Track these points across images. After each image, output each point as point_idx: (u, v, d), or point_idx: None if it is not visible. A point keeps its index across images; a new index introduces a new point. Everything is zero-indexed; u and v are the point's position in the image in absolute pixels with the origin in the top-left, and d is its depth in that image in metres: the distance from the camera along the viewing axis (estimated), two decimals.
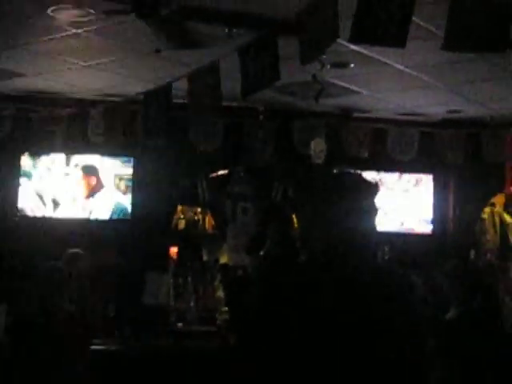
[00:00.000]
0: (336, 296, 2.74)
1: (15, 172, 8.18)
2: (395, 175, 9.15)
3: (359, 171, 3.47)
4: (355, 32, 4.46)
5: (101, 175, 8.35)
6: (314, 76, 6.31)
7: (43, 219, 8.18)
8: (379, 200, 3.03)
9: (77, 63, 6.97)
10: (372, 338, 2.69)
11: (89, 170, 8.31)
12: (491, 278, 7.51)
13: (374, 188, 3.07)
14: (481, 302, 5.98)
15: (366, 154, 8.90)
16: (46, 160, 8.26)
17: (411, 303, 2.99)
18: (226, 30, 5.45)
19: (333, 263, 2.88)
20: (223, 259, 8.61)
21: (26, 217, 8.19)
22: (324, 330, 2.69)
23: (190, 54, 5.68)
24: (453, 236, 9.23)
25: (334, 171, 4.08)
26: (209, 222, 8.94)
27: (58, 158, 8.25)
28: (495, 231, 9.41)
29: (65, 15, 5.57)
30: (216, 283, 8.51)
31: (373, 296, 2.78)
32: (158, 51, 5.25)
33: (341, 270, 2.84)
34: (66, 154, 8.25)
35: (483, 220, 9.40)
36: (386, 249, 8.62)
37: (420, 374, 2.86)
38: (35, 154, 8.25)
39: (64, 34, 6.07)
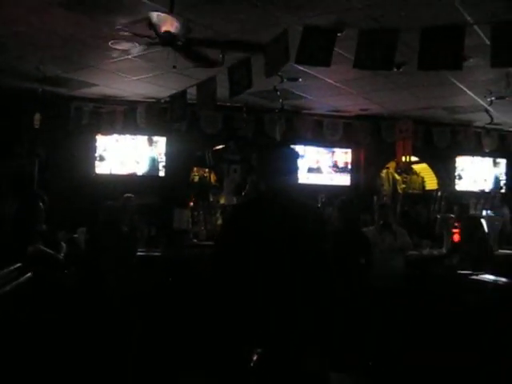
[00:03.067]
0: (269, 215, 2.73)
1: (92, 146, 8.09)
2: (330, 150, 9.10)
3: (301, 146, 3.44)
4: (298, 58, 4.42)
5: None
6: (274, 87, 6.28)
7: (109, 175, 8.12)
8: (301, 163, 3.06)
9: (129, 77, 6.89)
10: (292, 240, 2.67)
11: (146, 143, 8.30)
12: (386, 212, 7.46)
13: (297, 155, 3.10)
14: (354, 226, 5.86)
15: (310, 136, 8.80)
16: (112, 138, 8.20)
17: (316, 221, 2.98)
18: (220, 55, 5.37)
19: (270, 198, 2.88)
20: (222, 201, 8.56)
21: (99, 174, 8.13)
22: (262, 234, 2.68)
23: (197, 71, 5.58)
24: (363, 187, 9.15)
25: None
26: (213, 177, 8.84)
27: (120, 137, 8.20)
28: (389, 184, 9.37)
29: (120, 46, 5.48)
30: (217, 215, 8.48)
31: (291, 215, 2.78)
32: (174, 67, 5.14)
33: (273, 201, 2.84)
34: (124, 134, 8.18)
35: (382, 177, 9.37)
36: (322, 195, 8.59)
37: (325, 261, 2.84)
38: (104, 134, 8.17)
39: (120, 58, 5.99)
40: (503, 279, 4.30)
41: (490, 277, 4.35)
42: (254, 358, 2.08)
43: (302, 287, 2.61)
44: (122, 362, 4.90)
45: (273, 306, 2.55)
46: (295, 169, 3.01)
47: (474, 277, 4.36)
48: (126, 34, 5.05)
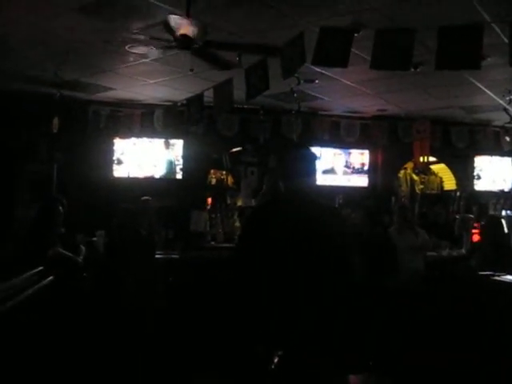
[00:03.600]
0: (289, 216, 2.74)
1: (110, 149, 8.14)
2: (347, 151, 9.07)
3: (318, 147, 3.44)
4: (315, 59, 4.40)
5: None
6: (291, 89, 6.27)
7: (127, 178, 8.16)
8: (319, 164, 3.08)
9: (146, 81, 6.93)
10: (312, 242, 2.67)
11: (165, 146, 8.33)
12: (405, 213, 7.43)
13: (315, 156, 3.10)
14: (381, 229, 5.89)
15: (327, 137, 8.78)
16: (129, 141, 8.24)
17: (335, 223, 2.97)
18: (237, 58, 5.38)
19: (289, 199, 2.89)
20: (239, 203, 8.57)
21: (117, 178, 8.17)
22: (281, 235, 2.68)
23: (214, 73, 5.59)
24: (380, 188, 9.11)
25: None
26: (230, 180, 8.86)
27: (138, 140, 8.24)
28: (407, 185, 9.33)
29: (137, 50, 5.51)
30: (235, 217, 8.50)
31: (310, 216, 2.78)
32: (191, 70, 5.15)
33: (292, 203, 2.85)
34: (141, 138, 8.22)
35: (399, 178, 9.32)
36: (339, 197, 8.59)
37: (343, 262, 2.83)
38: (122, 137, 8.21)
39: (137, 62, 6.04)
40: None
41: (510, 277, 4.32)
42: (275, 360, 2.08)
43: (322, 289, 2.60)
44: (137, 364, 4.93)
45: (293, 308, 2.55)
46: (313, 170, 3.01)
47: (496, 278, 4.31)
48: (142, 37, 5.09)
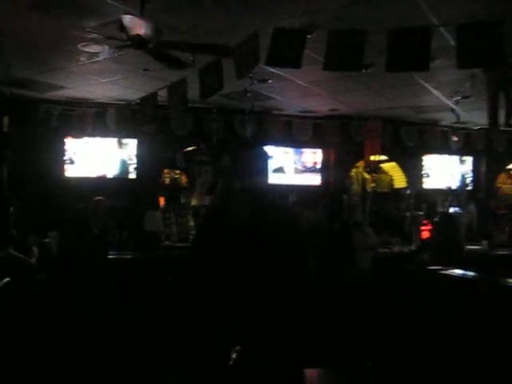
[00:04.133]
0: (245, 215, 2.79)
1: (62, 148, 8.03)
2: (300, 150, 9.18)
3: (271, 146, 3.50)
4: (269, 60, 4.46)
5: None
6: (245, 89, 6.32)
7: (79, 178, 8.06)
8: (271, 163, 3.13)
9: (98, 80, 6.87)
10: (271, 241, 2.72)
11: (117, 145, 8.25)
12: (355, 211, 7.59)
13: (267, 155, 3.14)
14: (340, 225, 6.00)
15: (280, 136, 8.87)
16: (82, 141, 8.14)
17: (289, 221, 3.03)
18: (191, 58, 5.39)
19: (244, 198, 2.93)
20: (193, 202, 8.58)
21: (69, 177, 8.06)
22: (236, 234, 2.72)
23: (167, 73, 5.59)
24: (333, 186, 9.24)
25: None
26: (184, 179, 8.87)
27: (90, 140, 8.15)
28: (358, 183, 9.51)
29: (89, 49, 5.47)
30: (189, 217, 8.51)
31: (266, 214, 2.83)
32: (145, 70, 5.15)
33: (247, 201, 2.89)
34: (94, 137, 8.14)
35: (351, 176, 9.49)
36: (293, 195, 8.67)
37: (298, 259, 2.89)
38: (74, 136, 8.11)
39: (89, 60, 5.97)
40: (471, 273, 4.45)
41: (458, 271, 4.50)
42: (233, 355, 2.12)
43: (278, 286, 2.66)
44: (98, 365, 4.90)
45: (250, 304, 2.60)
46: (266, 169, 3.06)
47: (444, 272, 4.48)
48: (95, 36, 5.05)
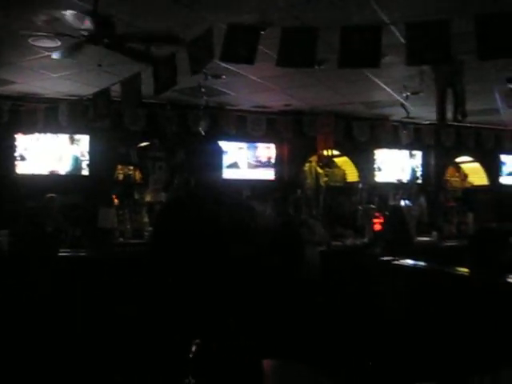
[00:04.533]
0: (202, 209, 2.83)
1: (12, 145, 7.88)
2: (254, 145, 9.23)
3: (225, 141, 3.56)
4: (223, 55, 4.50)
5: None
6: (199, 84, 6.33)
7: (30, 175, 7.92)
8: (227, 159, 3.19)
9: (49, 75, 6.76)
10: (223, 230, 2.78)
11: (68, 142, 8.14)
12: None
13: (222, 151, 3.19)
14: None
15: (234, 132, 8.90)
16: (33, 137, 8.00)
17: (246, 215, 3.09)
18: (146, 52, 5.37)
19: (201, 193, 2.98)
20: (147, 198, 8.55)
21: (20, 174, 7.91)
22: (193, 228, 2.77)
23: (120, 68, 5.56)
24: (287, 181, 9.33)
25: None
26: (138, 175, 8.81)
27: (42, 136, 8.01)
28: (312, 178, 9.61)
29: (40, 43, 5.40)
30: (143, 213, 8.47)
31: (222, 209, 2.89)
32: (99, 65, 5.11)
33: (204, 196, 2.94)
34: (44, 133, 8.00)
35: (305, 171, 9.59)
36: (247, 190, 8.71)
37: (254, 252, 2.95)
38: (25, 133, 7.95)
39: (40, 55, 5.88)
40: (420, 263, 4.65)
41: (410, 262, 4.67)
42: (193, 348, 2.16)
43: (235, 279, 2.71)
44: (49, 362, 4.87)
45: (207, 297, 2.64)
46: (222, 164, 3.12)
47: (396, 262, 4.65)
48: (46, 31, 4.97)
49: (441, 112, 5.49)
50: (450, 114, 5.86)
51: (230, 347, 2.45)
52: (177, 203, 3.20)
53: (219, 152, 3.18)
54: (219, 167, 3.11)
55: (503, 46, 3.93)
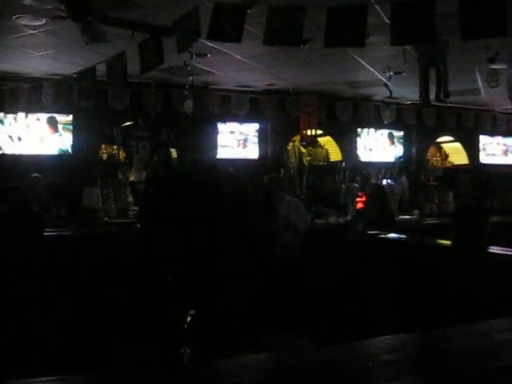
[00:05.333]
0: (200, 185, 2.90)
1: None
2: (238, 125, 9.28)
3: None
4: (209, 34, 4.54)
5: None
6: (184, 63, 6.34)
7: (13, 155, 7.90)
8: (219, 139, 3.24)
9: (33, 53, 6.70)
10: (220, 206, 2.85)
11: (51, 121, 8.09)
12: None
13: (216, 129, 3.25)
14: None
15: (218, 111, 8.93)
16: (16, 116, 7.95)
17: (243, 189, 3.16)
18: (130, 32, 5.38)
19: (190, 172, 3.04)
20: (131, 178, 8.57)
21: (4, 154, 7.88)
22: (195, 204, 2.83)
23: (107, 47, 5.55)
24: (270, 160, 9.41)
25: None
26: (121, 154, 8.81)
27: (22, 115, 7.95)
28: (295, 157, 9.70)
29: (24, 21, 5.37)
30: (127, 192, 8.50)
31: (219, 184, 2.95)
32: (86, 44, 5.11)
33: (193, 174, 3.00)
34: (28, 113, 7.96)
35: (288, 150, 9.67)
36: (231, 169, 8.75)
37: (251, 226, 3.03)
38: (8, 112, 7.90)
39: (24, 33, 5.83)
40: (404, 236, 4.85)
41: (393, 235, 4.88)
42: (188, 319, 2.23)
43: (230, 252, 2.79)
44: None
45: (203, 269, 2.71)
46: (216, 144, 3.18)
47: (382, 236, 4.83)
48: (31, 7, 4.95)
49: (424, 91, 5.58)
50: (432, 94, 5.94)
51: (224, 317, 2.53)
52: (173, 179, 3.26)
53: (214, 132, 3.25)
54: (215, 147, 3.18)
55: (486, 27, 4.03)
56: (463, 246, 3.89)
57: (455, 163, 11.35)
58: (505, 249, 3.67)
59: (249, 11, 4.69)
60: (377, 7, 4.89)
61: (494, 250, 3.74)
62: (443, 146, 11.40)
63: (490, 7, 3.96)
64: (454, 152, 11.36)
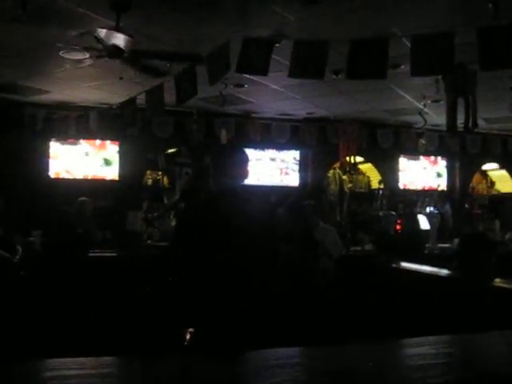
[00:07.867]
0: (227, 211, 3.03)
1: (46, 151, 8.29)
2: (278, 152, 9.44)
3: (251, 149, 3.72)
4: (238, 67, 4.73)
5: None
6: (220, 93, 6.55)
7: (63, 180, 8.31)
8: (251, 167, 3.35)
9: (81, 84, 7.11)
10: (246, 234, 2.97)
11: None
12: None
13: (246, 157, 3.37)
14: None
15: (259, 139, 9.12)
16: (65, 143, 8.38)
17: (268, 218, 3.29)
18: (167, 65, 5.65)
19: (219, 197, 3.18)
20: None
21: (53, 179, 8.31)
22: (220, 229, 2.97)
23: (146, 78, 5.82)
24: (310, 187, 9.52)
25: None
26: (165, 180, 9.12)
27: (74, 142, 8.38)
28: (336, 184, 9.76)
29: (70, 56, 5.73)
30: (171, 216, 8.72)
31: (245, 211, 3.09)
32: (121, 78, 5.40)
33: (219, 200, 3.14)
34: (77, 139, 8.37)
35: (328, 177, 9.75)
36: (272, 196, 8.87)
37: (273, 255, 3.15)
38: (58, 140, 8.36)
39: (71, 67, 6.21)
40: (418, 266, 4.86)
41: (406, 264, 4.89)
42: (188, 336, 2.36)
43: (247, 276, 2.89)
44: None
45: (213, 291, 2.82)
46: (244, 171, 3.31)
47: (394, 265, 4.86)
48: (75, 45, 5.30)
49: (450, 121, 5.61)
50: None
51: (224, 335, 2.62)
52: (195, 209, 3.39)
53: (244, 160, 3.35)
54: (243, 174, 3.30)
55: (505, 57, 4.08)
56: (469, 278, 3.88)
57: (502, 191, 11.13)
58: None
59: (278, 44, 4.88)
60: (403, 39, 4.99)
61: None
62: (489, 173, 11.22)
63: (507, 38, 4.01)
64: (501, 179, 11.14)
